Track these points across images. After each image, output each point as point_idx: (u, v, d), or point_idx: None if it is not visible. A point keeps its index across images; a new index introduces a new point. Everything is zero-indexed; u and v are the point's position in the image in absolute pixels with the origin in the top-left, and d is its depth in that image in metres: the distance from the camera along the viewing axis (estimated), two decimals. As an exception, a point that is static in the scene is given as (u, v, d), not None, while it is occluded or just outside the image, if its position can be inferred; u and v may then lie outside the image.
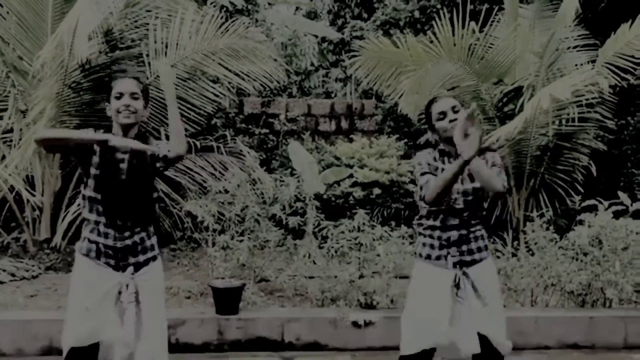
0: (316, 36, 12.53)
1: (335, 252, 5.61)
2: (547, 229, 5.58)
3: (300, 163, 8.03)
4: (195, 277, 6.23)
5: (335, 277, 5.26)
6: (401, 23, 11.18)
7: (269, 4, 12.40)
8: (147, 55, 7.13)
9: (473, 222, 3.07)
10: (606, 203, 5.72)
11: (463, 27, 7.21)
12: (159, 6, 7.26)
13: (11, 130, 6.87)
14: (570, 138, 7.76)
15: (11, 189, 6.60)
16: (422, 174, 3.00)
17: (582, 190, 7.46)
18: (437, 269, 3.05)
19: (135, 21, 7.31)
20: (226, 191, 6.22)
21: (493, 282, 3.13)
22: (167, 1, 7.27)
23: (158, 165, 3.00)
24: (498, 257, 5.79)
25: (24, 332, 4.67)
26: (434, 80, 7.60)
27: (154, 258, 3.05)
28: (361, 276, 5.22)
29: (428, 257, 3.09)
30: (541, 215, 5.80)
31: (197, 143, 7.38)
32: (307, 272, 5.70)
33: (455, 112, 3.03)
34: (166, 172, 5.80)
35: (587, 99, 7.22)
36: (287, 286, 5.63)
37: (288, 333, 4.91)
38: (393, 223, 6.46)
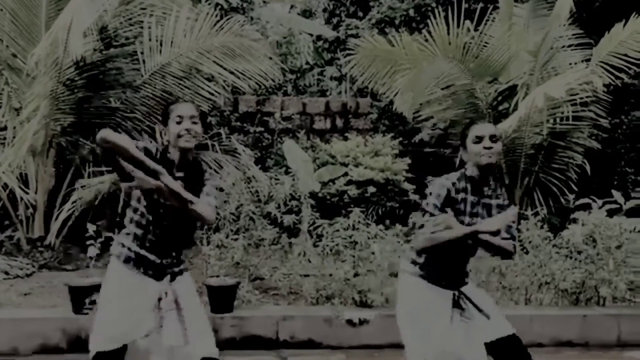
0: (311, 34, 12.50)
1: (330, 250, 5.61)
2: (542, 227, 5.60)
3: (295, 161, 8.02)
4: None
5: (330, 275, 5.27)
6: (396, 21, 11.20)
7: (264, 2, 12.36)
8: (142, 53, 7.11)
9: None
10: (600, 201, 5.74)
11: (458, 25, 7.23)
12: (153, 4, 7.24)
13: (5, 128, 6.85)
14: (565, 137, 7.79)
15: (5, 186, 6.58)
16: (432, 211, 2.91)
17: (576, 189, 7.49)
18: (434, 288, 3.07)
19: (130, 19, 7.29)
20: (221, 189, 6.21)
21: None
22: (161, -1, 7.26)
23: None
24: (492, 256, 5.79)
25: (18, 330, 4.65)
26: (428, 79, 7.63)
27: (186, 269, 3.13)
28: (356, 274, 5.22)
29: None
30: (535, 214, 5.82)
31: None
32: (302, 271, 5.70)
33: (493, 141, 2.98)
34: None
35: (581, 98, 7.25)
36: (282, 284, 5.63)
37: (283, 331, 4.91)
38: (388, 221, 6.47)
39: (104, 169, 6.87)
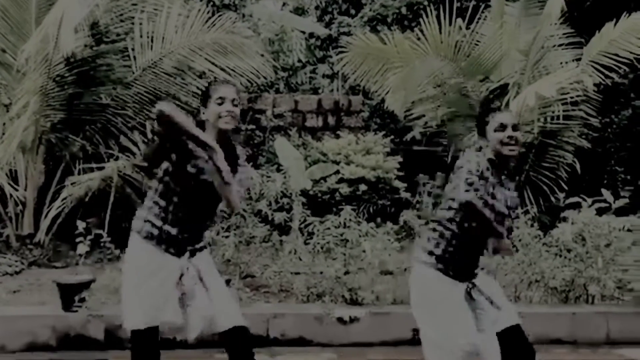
0: (303, 32, 12.47)
1: (321, 248, 5.62)
2: (532, 225, 5.62)
3: (286, 159, 8.01)
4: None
5: (321, 273, 5.27)
6: (389, 19, 11.21)
7: (256, -1, 12.35)
8: (133, 50, 7.08)
9: None
10: (590, 200, 5.77)
11: (450, 24, 7.24)
12: (145, 0, 7.21)
13: (-6, 125, 6.80)
14: (555, 135, 7.82)
15: (-6, 183, 6.54)
16: (467, 188, 2.84)
17: (566, 188, 7.53)
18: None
19: (121, 15, 7.25)
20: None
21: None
22: (153, -5, 7.23)
23: None
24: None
25: (7, 328, 4.62)
26: (420, 77, 7.64)
27: (205, 246, 3.13)
28: (347, 272, 5.22)
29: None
30: (526, 212, 5.84)
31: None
32: (292, 268, 5.70)
33: (515, 130, 3.00)
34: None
35: (572, 97, 7.28)
36: (272, 282, 5.62)
37: (273, 329, 4.91)
38: (379, 219, 6.48)
39: (94, 165, 6.84)
